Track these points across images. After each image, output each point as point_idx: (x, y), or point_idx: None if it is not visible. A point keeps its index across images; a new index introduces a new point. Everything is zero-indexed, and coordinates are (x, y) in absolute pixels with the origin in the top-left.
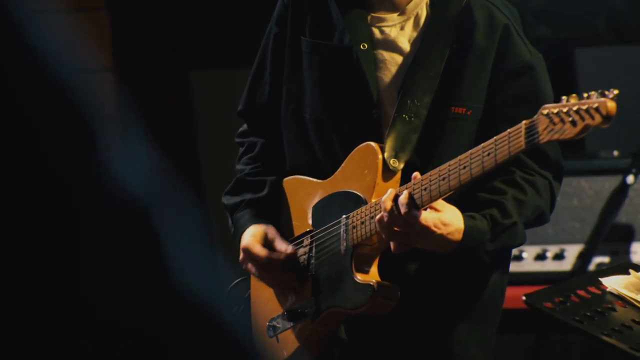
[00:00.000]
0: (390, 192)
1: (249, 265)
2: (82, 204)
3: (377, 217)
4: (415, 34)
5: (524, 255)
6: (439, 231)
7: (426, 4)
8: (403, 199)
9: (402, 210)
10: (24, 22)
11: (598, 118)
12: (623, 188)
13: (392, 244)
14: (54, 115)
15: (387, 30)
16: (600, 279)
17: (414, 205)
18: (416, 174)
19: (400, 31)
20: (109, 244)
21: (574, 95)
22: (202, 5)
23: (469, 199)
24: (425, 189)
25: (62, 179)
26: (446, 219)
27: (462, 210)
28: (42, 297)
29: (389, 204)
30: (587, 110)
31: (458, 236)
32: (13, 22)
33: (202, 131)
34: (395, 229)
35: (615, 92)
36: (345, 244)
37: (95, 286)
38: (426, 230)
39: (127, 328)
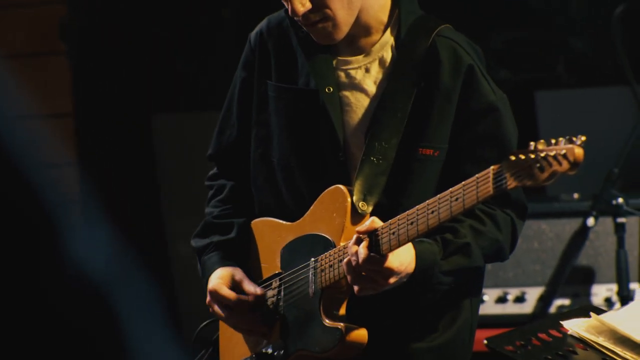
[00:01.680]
0: (357, 237)
1: (216, 308)
2: (45, 288)
3: (344, 261)
4: (381, 76)
5: (485, 298)
6: (402, 268)
7: (391, 45)
8: (367, 245)
9: (367, 255)
10: None
11: (566, 164)
12: (583, 231)
13: (355, 287)
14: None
15: (352, 72)
16: (561, 321)
17: (380, 251)
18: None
19: (365, 73)
20: (71, 322)
21: (541, 141)
22: (162, 48)
23: None
24: (393, 234)
25: (22, 262)
26: (401, 254)
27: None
28: None
29: (355, 249)
30: (554, 157)
31: (413, 264)
32: None
33: (164, 173)
34: (362, 273)
35: (583, 138)
36: (314, 287)
37: None
38: (391, 272)
39: None
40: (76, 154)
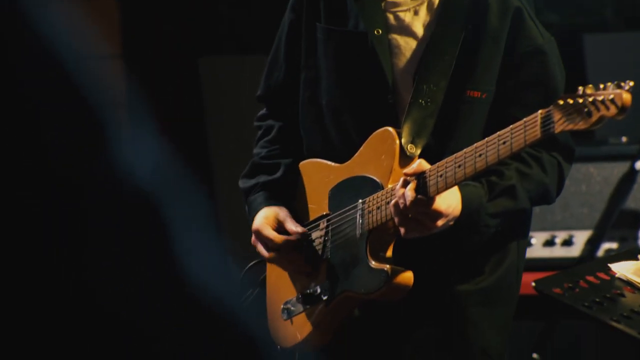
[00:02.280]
0: (404, 179)
1: (260, 247)
2: (90, 194)
3: (392, 202)
4: (429, 19)
5: (533, 241)
6: (449, 210)
7: None
8: (414, 187)
9: (414, 198)
10: (31, 11)
11: (613, 109)
12: (631, 174)
13: (402, 229)
14: (61, 104)
15: (401, 15)
16: (609, 264)
17: (427, 193)
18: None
19: (414, 16)
20: (118, 232)
21: (590, 85)
22: None
23: None
24: (441, 176)
25: (70, 168)
26: (448, 197)
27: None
28: (49, 289)
29: (402, 191)
30: (602, 101)
31: (459, 207)
32: (20, 11)
33: (211, 116)
34: (409, 215)
35: (631, 83)
36: (360, 228)
37: (104, 273)
38: (438, 215)
39: (135, 317)
40: (125, 94)
